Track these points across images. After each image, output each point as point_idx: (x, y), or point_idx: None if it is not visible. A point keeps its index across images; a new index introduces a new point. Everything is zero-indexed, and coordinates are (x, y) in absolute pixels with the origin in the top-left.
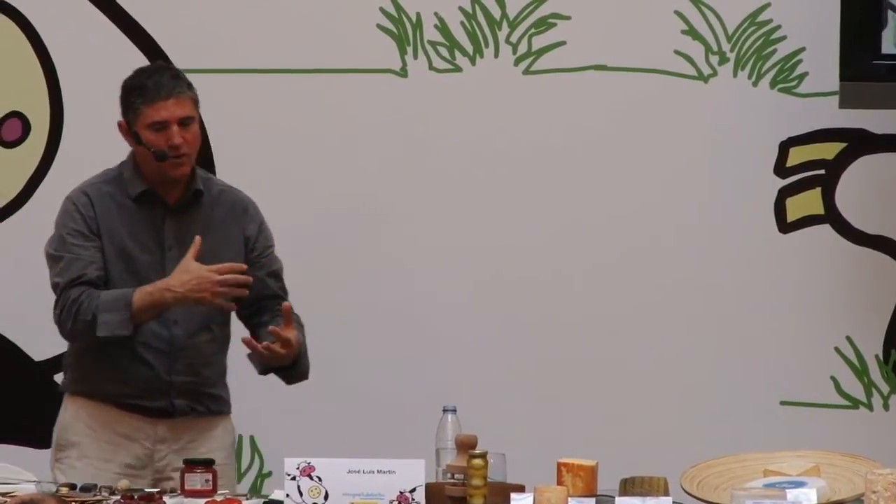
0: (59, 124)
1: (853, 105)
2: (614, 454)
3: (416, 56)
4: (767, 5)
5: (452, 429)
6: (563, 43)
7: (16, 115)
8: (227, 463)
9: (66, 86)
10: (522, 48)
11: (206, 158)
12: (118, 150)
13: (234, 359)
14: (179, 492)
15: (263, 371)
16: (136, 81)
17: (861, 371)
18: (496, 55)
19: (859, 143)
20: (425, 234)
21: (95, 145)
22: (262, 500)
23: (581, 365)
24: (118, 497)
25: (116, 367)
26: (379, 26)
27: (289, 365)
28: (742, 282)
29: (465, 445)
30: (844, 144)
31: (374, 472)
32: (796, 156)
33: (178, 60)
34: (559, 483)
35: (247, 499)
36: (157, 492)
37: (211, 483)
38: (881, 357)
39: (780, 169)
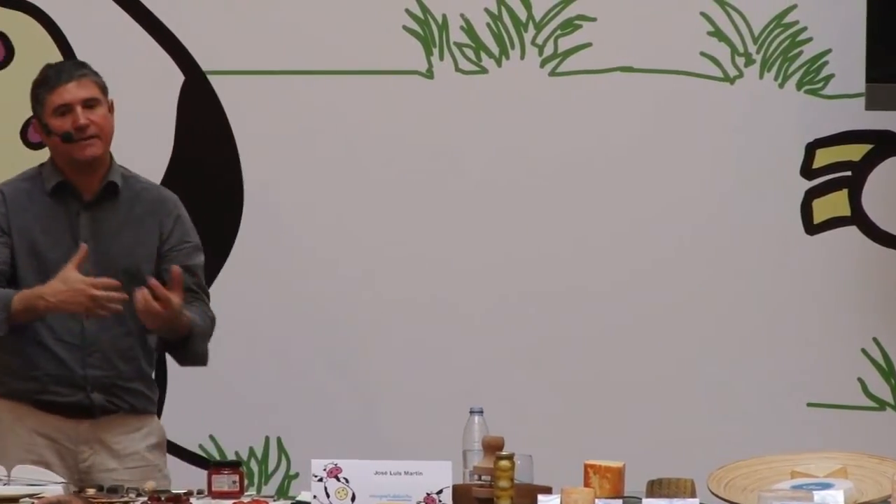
0: None
1: (880, 107)
2: (641, 456)
3: (441, 58)
4: (794, 7)
5: (479, 430)
6: (589, 45)
7: None
8: (154, 464)
9: None
10: (548, 50)
11: (232, 160)
12: (141, 151)
13: (263, 362)
14: (207, 493)
15: (159, 348)
16: (42, 74)
17: (888, 372)
18: (522, 57)
19: (886, 145)
20: (452, 235)
21: (119, 145)
22: (289, 501)
23: (608, 366)
24: (145, 498)
25: (27, 362)
26: (405, 28)
27: (179, 343)
28: (768, 283)
29: (492, 447)
30: (871, 146)
31: (401, 474)
32: (823, 157)
33: (204, 62)
34: (586, 484)
35: (274, 500)
36: (185, 493)
37: (238, 484)
38: None
39: (807, 171)
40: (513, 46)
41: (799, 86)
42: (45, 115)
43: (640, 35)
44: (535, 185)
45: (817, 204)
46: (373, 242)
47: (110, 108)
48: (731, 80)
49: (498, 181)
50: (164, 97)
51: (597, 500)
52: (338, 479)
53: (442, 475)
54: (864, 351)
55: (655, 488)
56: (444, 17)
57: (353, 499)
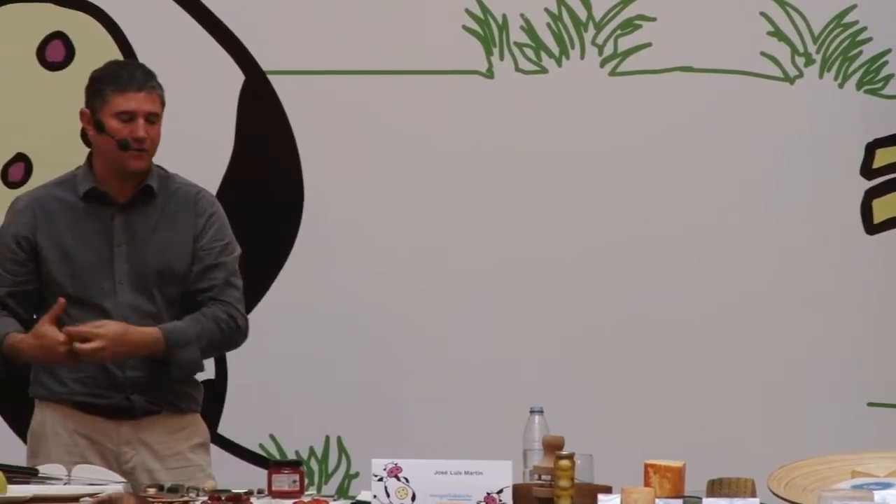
0: None
1: None
2: (702, 455)
3: (501, 57)
4: (853, 7)
5: (539, 430)
6: (648, 44)
7: None
8: (197, 464)
9: None
10: (608, 50)
11: (292, 160)
12: (200, 150)
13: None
14: (267, 493)
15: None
16: (109, 71)
17: None
18: (582, 57)
19: None
20: (513, 235)
21: (179, 145)
22: (349, 501)
23: (668, 366)
24: (205, 497)
25: (62, 367)
26: (465, 28)
27: (163, 356)
28: (829, 283)
29: (553, 446)
30: None
31: (461, 474)
32: (882, 157)
33: (264, 61)
34: (646, 484)
35: (334, 500)
36: (245, 492)
37: (298, 484)
38: None
39: (867, 170)
40: (573, 46)
41: (859, 85)
42: (104, 114)
43: (700, 35)
44: (594, 185)
45: (877, 204)
46: (433, 243)
47: None
48: (791, 80)
49: (557, 180)
50: (224, 97)
51: (657, 500)
52: (398, 479)
53: (502, 475)
54: None
55: (716, 488)
56: (504, 16)
57: (413, 498)
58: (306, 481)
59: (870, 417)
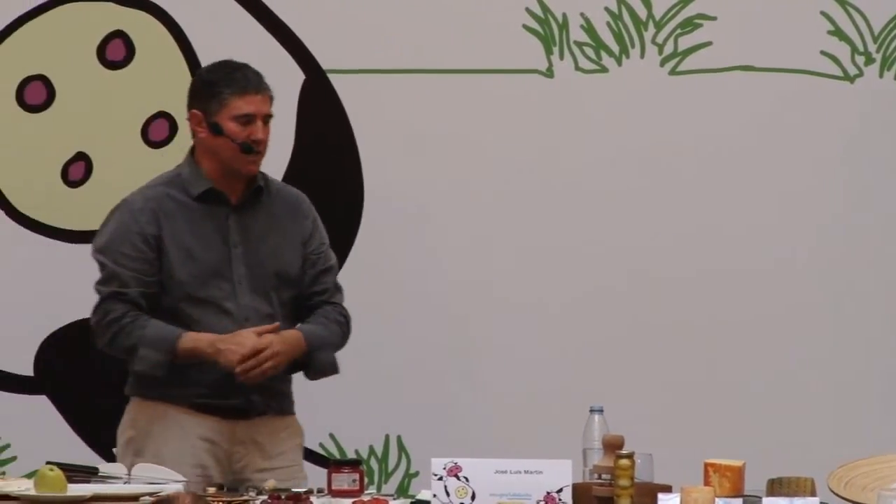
0: None
1: None
2: (761, 454)
3: (562, 57)
4: None
5: (599, 429)
6: (709, 43)
7: (162, 115)
8: (297, 464)
9: None
10: (668, 49)
11: (352, 159)
12: None
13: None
14: (327, 491)
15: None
16: (223, 73)
17: None
18: (642, 56)
19: None
20: (572, 235)
21: None
22: (409, 500)
23: (728, 365)
24: (265, 497)
25: (195, 368)
26: (525, 27)
27: (304, 361)
28: (888, 282)
29: (612, 446)
30: None
31: (521, 473)
32: None
33: (324, 60)
34: (706, 483)
35: (394, 499)
36: (305, 491)
37: (358, 483)
38: None
39: None
40: (633, 45)
41: None
42: (222, 116)
43: (760, 34)
44: (654, 184)
45: None
46: (493, 243)
47: None
48: (851, 79)
49: (618, 179)
50: (284, 96)
51: (717, 499)
52: (458, 478)
53: (562, 474)
54: None
55: (776, 487)
56: (565, 15)
57: (472, 497)
58: (366, 480)
59: None
